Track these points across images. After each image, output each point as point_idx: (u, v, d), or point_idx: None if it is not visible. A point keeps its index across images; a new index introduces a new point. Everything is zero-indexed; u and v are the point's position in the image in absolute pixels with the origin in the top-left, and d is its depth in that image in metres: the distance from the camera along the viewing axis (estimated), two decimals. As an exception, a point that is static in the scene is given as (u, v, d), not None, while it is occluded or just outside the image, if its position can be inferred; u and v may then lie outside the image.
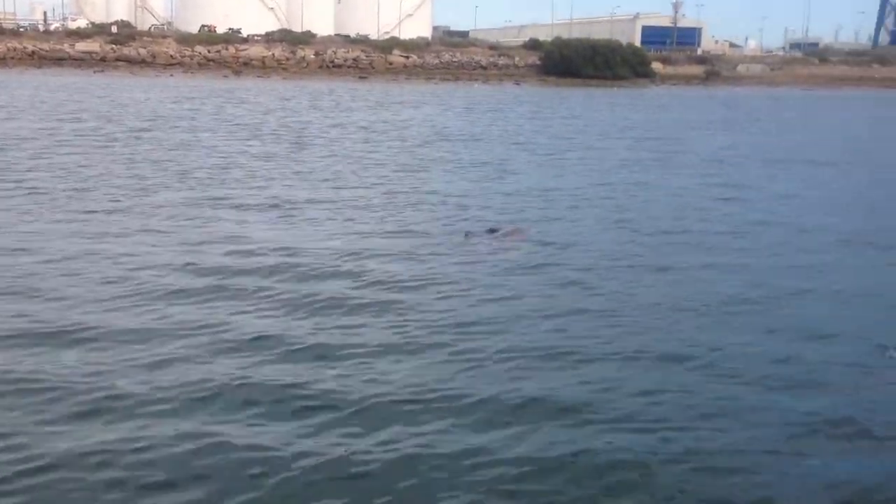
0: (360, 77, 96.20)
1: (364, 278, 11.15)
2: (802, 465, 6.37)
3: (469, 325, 9.25)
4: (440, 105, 53.70)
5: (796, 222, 16.13)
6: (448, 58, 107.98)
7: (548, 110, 52.00)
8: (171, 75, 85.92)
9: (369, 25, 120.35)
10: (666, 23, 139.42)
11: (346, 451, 6.32)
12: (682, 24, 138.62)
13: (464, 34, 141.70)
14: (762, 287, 11.08)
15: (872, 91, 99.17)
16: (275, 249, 12.66)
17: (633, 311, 9.96)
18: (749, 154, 29.28)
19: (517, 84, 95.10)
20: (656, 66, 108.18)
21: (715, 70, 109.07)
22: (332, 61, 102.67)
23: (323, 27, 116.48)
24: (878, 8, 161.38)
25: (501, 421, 6.87)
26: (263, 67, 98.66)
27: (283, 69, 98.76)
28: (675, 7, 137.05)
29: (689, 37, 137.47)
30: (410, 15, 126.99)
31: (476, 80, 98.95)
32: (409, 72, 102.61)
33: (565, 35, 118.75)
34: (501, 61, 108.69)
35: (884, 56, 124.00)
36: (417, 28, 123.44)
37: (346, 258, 12.23)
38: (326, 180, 20.54)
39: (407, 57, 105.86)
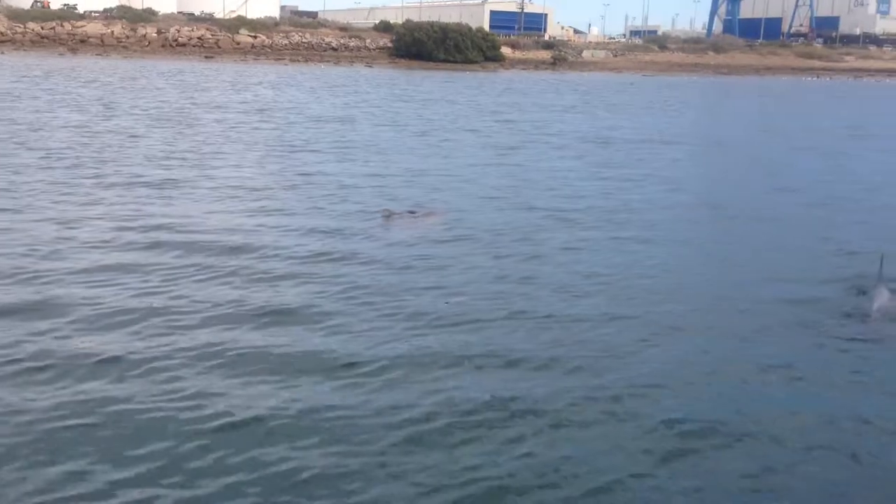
0: (206, 57, 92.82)
1: (292, 254, 11.51)
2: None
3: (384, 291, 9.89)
4: (298, 86, 52.41)
5: (671, 198, 17.30)
6: (298, 39, 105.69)
7: (411, 92, 51.58)
8: (3, 52, 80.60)
9: (214, 3, 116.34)
10: (513, 8, 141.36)
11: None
12: (529, 9, 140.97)
13: (312, 15, 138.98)
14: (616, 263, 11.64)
15: (707, 77, 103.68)
16: (162, 227, 12.74)
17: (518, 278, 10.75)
18: (611, 135, 30.34)
19: (369, 66, 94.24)
20: (506, 50, 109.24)
21: (562, 55, 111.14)
22: (176, 40, 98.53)
23: (165, 4, 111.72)
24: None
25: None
26: (102, 46, 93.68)
27: (124, 48, 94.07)
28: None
29: (535, 22, 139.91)
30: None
31: (327, 61, 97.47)
32: (258, 52, 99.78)
33: (415, 18, 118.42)
34: (352, 43, 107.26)
35: (717, 44, 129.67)
36: (265, 8, 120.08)
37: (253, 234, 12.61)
38: (208, 161, 19.65)
39: (255, 37, 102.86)
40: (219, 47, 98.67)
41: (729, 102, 59.36)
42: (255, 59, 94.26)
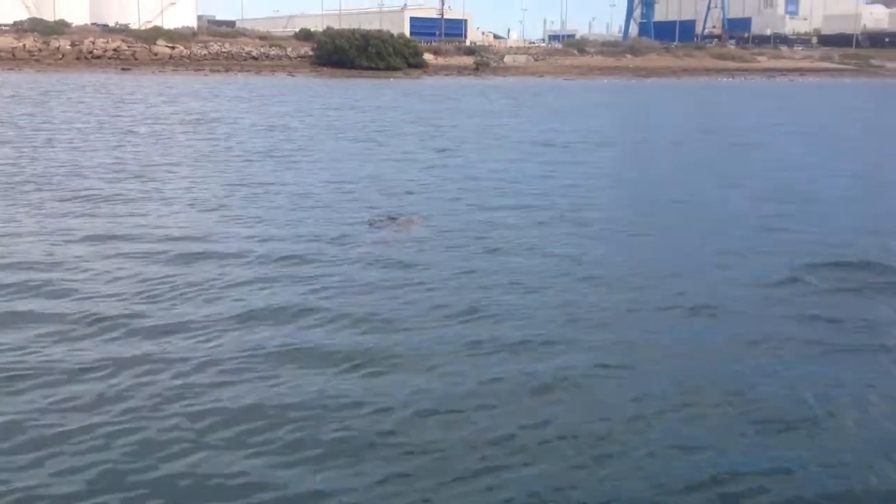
0: (123, 69, 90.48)
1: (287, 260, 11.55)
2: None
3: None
4: (227, 97, 51.45)
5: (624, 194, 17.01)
6: (217, 48, 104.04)
7: (341, 100, 51.08)
8: None
9: (129, 14, 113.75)
10: (433, 14, 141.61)
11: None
12: (449, 15, 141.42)
13: (230, 24, 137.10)
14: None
15: (627, 80, 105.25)
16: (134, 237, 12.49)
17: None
18: (553, 138, 30.66)
19: (291, 75, 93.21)
20: (428, 57, 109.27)
21: (484, 61, 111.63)
22: (91, 52, 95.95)
23: (78, 16, 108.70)
24: (627, 1, 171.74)
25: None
26: (14, 59, 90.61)
27: (37, 61, 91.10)
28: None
29: (455, 28, 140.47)
30: (173, 3, 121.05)
31: (247, 70, 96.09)
32: (177, 63, 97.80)
33: (335, 26, 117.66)
34: (273, 52, 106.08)
35: (635, 47, 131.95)
36: (181, 17, 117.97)
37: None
38: (164, 174, 19.17)
39: (173, 47, 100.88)
40: (136, 59, 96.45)
41: (653, 104, 60.20)
42: (174, 71, 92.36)
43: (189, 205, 15.59)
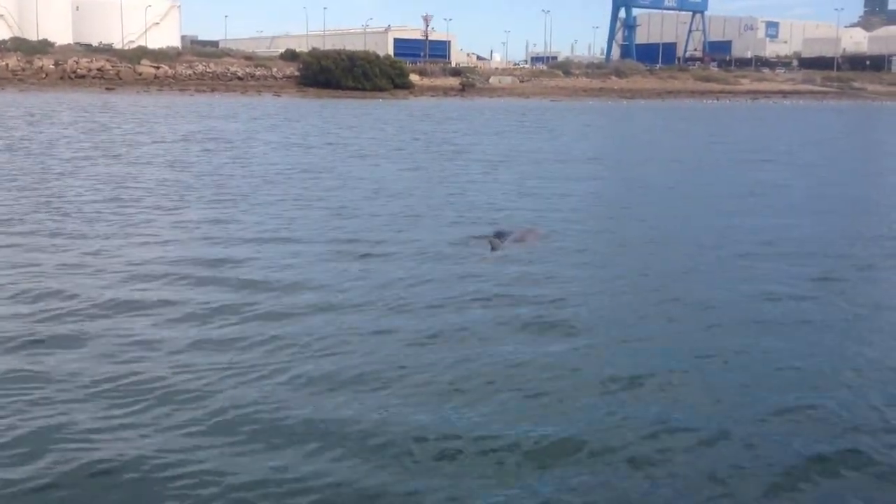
0: (108, 88, 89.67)
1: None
2: None
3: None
4: (218, 118, 50.72)
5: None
6: (202, 68, 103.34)
7: (342, 120, 50.53)
8: None
9: (113, 34, 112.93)
10: (417, 35, 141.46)
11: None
12: (433, 37, 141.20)
13: (214, 44, 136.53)
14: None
15: (614, 101, 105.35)
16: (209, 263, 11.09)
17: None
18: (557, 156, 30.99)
19: (277, 95, 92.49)
20: (414, 77, 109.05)
21: (470, 82, 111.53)
22: (75, 72, 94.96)
23: (61, 35, 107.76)
24: (609, 23, 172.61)
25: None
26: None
27: (20, 80, 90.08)
28: (426, 20, 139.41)
29: (439, 49, 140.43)
30: (157, 23, 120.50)
31: (233, 90, 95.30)
32: (161, 83, 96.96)
33: (319, 46, 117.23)
34: (259, 72, 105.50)
35: (619, 69, 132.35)
36: (165, 37, 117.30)
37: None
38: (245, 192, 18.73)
39: (157, 67, 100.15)
40: (120, 78, 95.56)
41: (644, 124, 59.91)
42: (159, 91, 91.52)
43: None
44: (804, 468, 6.05)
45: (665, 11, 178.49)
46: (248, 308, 9.72)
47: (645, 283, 11.52)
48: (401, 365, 7.91)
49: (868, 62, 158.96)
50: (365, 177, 23.19)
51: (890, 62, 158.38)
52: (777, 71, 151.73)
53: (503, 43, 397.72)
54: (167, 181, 21.25)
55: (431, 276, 11.39)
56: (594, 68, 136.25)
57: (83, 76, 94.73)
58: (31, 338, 8.56)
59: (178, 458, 5.99)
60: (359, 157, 29.10)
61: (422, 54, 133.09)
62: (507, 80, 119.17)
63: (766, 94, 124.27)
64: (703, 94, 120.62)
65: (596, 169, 27.15)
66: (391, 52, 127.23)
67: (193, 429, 6.49)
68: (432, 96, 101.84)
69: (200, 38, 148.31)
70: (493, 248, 12.92)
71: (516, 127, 49.42)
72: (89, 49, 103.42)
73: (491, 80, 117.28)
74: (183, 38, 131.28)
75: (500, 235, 13.68)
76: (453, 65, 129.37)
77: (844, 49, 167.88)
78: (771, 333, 9.23)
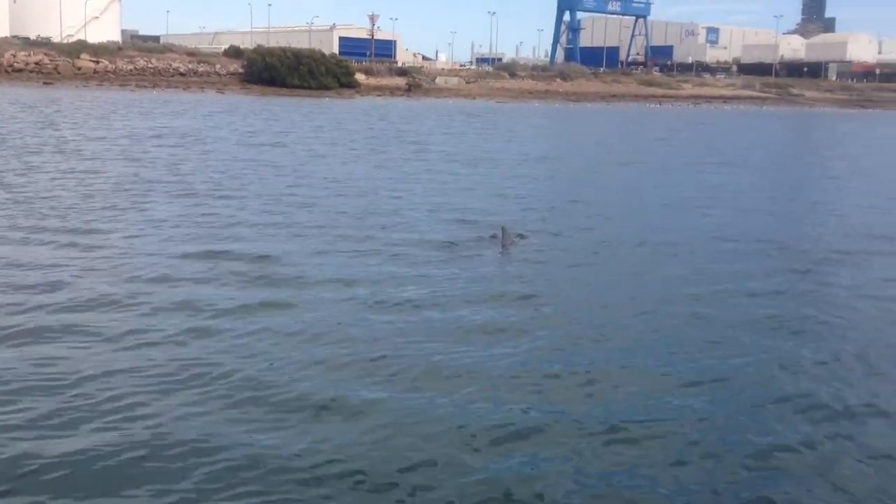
0: (46, 83, 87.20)
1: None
2: None
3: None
4: (178, 114, 49.87)
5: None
6: (143, 64, 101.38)
7: (293, 120, 49.94)
8: None
9: (51, 27, 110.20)
10: (363, 34, 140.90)
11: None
12: (379, 36, 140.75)
13: (155, 39, 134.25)
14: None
15: (560, 103, 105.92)
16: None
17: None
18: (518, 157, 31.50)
19: (220, 92, 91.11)
20: (360, 76, 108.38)
21: (416, 82, 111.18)
22: (12, 65, 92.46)
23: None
24: (554, 26, 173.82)
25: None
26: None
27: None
28: (372, 19, 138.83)
29: (385, 49, 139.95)
30: (97, 17, 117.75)
31: (175, 87, 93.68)
32: (101, 78, 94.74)
33: (263, 43, 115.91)
34: (202, 68, 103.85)
35: (565, 72, 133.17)
36: (105, 31, 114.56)
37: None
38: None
39: (97, 62, 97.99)
40: (58, 73, 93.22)
41: (594, 127, 60.41)
42: (99, 86, 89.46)
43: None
44: (768, 456, 6.66)
45: (609, 16, 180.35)
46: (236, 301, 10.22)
47: (621, 280, 11.92)
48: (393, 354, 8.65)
49: (805, 69, 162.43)
50: (328, 176, 23.22)
51: (826, 69, 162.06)
52: (717, 76, 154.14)
53: (449, 43, 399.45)
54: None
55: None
56: (539, 70, 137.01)
57: (20, 70, 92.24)
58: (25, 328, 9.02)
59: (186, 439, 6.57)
60: (318, 157, 29.09)
61: (367, 53, 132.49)
62: (454, 80, 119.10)
63: (708, 98, 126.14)
64: (646, 98, 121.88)
65: (555, 169, 27.51)
66: (336, 50, 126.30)
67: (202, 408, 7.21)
68: (378, 96, 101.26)
69: (141, 32, 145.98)
70: (504, 245, 13.99)
71: (468, 128, 49.46)
72: (27, 42, 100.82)
73: (437, 80, 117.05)
74: (123, 32, 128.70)
75: (494, 237, 14.50)
76: (399, 64, 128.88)
77: (783, 55, 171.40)
78: (739, 326, 10.09)
